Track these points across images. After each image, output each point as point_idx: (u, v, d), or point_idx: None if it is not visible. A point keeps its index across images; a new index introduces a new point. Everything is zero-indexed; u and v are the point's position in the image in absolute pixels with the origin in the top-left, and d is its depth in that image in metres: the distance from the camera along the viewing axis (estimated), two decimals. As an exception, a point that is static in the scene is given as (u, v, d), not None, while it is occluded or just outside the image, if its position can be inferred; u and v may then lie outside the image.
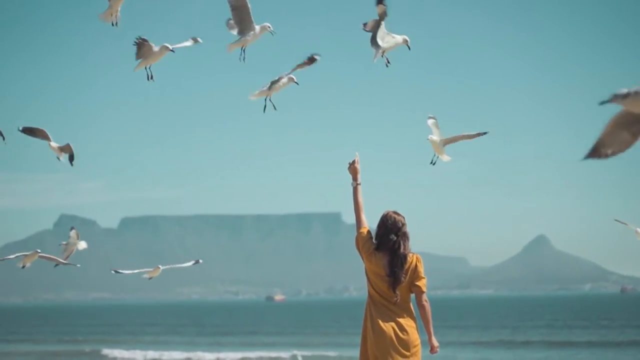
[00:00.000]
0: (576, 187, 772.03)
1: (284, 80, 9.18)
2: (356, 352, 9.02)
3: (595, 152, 5.46)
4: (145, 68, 9.17)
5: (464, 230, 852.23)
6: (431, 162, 9.48)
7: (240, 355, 45.85)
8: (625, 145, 5.46)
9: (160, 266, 11.03)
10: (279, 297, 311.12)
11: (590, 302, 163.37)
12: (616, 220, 11.45)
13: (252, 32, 9.08)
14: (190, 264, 11.06)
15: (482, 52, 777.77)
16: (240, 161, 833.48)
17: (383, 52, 9.16)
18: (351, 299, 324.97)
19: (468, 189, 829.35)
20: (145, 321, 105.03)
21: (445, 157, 9.54)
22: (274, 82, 9.17)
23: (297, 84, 9.23)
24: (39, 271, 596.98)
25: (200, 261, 11.24)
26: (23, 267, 10.81)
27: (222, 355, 46.09)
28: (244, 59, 9.17)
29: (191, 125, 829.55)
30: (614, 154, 5.49)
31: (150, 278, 11.24)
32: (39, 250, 10.85)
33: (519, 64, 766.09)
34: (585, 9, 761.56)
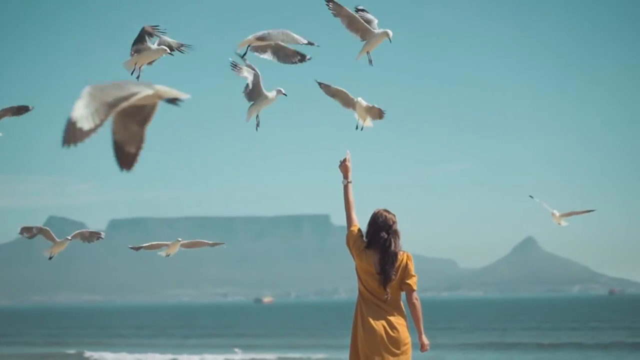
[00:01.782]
0: (564, 189, 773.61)
1: (273, 94, 9.18)
2: (344, 355, 9.04)
3: (118, 152, 5.05)
4: (135, 65, 9.06)
5: (453, 232, 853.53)
6: (357, 128, 9.47)
7: (223, 357, 45.83)
8: (138, 139, 5.02)
9: (179, 239, 10.42)
10: (267, 299, 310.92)
11: (578, 304, 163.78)
12: (531, 196, 10.93)
13: (266, 98, 9.15)
14: (212, 242, 10.38)
15: (479, 53, 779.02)
16: (231, 163, 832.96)
17: (367, 51, 9.17)
18: (340, 301, 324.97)
19: (457, 191, 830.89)
20: (135, 323, 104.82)
21: (368, 123, 9.50)
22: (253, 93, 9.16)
23: (285, 95, 9.23)
24: (28, 273, 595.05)
25: (225, 245, 10.48)
26: (50, 258, 10.37)
27: (207, 356, 46.05)
28: (257, 127, 9.21)
29: (182, 128, 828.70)
30: (132, 149, 5.04)
31: (167, 255, 10.54)
32: (69, 238, 10.42)
33: (513, 65, 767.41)
34: (583, 9, 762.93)
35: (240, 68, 9.12)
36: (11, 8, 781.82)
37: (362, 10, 9.29)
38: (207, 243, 10.38)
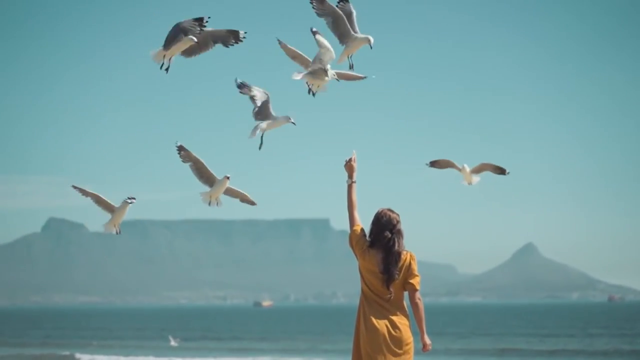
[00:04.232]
0: (564, 195, 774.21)
1: (281, 119, 9.20)
2: (343, 359, 9.05)
3: None
4: (164, 57, 8.84)
5: (453, 238, 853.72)
6: (309, 93, 9.38)
7: None
8: None
9: (228, 175, 9.45)
10: (266, 302, 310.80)
11: (577, 311, 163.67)
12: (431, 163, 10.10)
13: (274, 120, 9.16)
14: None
15: (477, 56, 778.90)
16: (230, 166, 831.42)
17: (348, 55, 9.17)
18: (339, 306, 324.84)
19: (456, 197, 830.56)
20: (132, 325, 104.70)
21: (323, 88, 9.37)
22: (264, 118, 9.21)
23: (294, 124, 9.27)
24: (27, 274, 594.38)
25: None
26: (118, 232, 9.61)
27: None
28: (260, 146, 9.27)
29: (180, 130, 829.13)
30: None
31: (209, 202, 9.48)
32: (129, 200, 9.54)
33: (517, 70, 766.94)
34: (589, 16, 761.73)
35: (250, 87, 9.18)
36: (10, 9, 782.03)
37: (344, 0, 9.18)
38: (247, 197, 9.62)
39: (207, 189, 9.53)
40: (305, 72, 9.10)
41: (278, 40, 9.25)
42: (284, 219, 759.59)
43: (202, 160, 9.42)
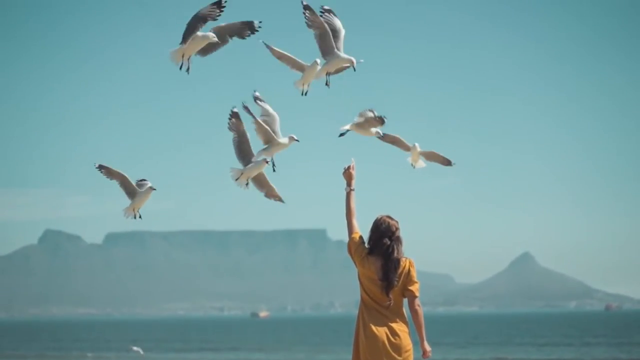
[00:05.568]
0: (562, 197, 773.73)
1: (285, 140, 9.30)
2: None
3: None
4: (182, 57, 8.76)
5: (449, 247, 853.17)
6: (303, 94, 9.46)
7: None
8: None
9: (265, 159, 9.27)
10: (263, 313, 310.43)
11: (574, 320, 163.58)
12: (377, 132, 9.69)
13: (278, 143, 9.28)
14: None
15: (477, 56, 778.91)
16: (227, 177, 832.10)
17: (328, 73, 9.22)
18: (336, 316, 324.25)
19: (453, 206, 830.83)
20: (129, 337, 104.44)
21: (306, 87, 9.38)
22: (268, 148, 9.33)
23: (298, 141, 9.40)
24: (25, 286, 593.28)
25: None
26: (138, 217, 9.40)
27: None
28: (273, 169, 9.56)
29: (178, 141, 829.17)
30: None
31: (241, 181, 9.33)
32: (153, 188, 9.36)
33: (512, 69, 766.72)
34: (584, 14, 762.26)
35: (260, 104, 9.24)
36: (10, 10, 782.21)
37: (328, 11, 9.24)
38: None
39: (240, 166, 9.49)
40: (354, 122, 9.31)
41: (264, 43, 9.27)
42: (281, 230, 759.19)
43: (249, 136, 9.34)
